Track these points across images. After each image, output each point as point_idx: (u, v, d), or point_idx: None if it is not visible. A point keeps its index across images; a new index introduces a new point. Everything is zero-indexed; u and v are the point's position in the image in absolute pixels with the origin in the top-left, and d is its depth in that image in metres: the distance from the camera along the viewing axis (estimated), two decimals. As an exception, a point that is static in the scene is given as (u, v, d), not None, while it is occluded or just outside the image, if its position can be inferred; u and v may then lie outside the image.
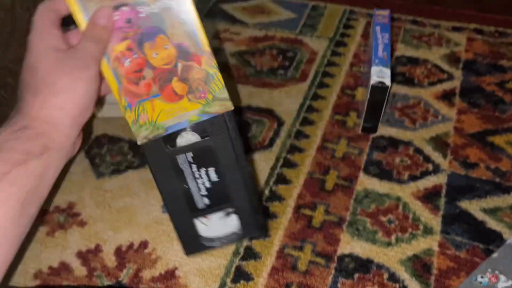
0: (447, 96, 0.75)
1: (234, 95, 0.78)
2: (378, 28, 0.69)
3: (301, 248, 0.56)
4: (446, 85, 0.77)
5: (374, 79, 0.63)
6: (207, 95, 0.35)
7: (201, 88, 0.34)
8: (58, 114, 0.31)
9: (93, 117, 0.74)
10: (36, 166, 0.30)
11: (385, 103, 0.64)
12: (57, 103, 0.30)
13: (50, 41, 0.31)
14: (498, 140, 0.68)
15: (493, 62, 0.80)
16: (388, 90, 0.62)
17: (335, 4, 0.95)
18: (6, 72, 0.64)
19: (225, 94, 0.35)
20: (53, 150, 0.31)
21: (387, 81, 0.62)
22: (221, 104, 0.35)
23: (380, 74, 0.63)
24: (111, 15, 0.32)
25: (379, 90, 0.62)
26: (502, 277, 0.49)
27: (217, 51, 0.86)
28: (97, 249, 0.58)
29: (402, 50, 0.84)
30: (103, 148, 0.70)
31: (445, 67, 0.80)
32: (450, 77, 0.78)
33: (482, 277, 0.49)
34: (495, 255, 0.50)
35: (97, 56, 0.32)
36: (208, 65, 0.34)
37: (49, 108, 0.30)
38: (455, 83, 0.77)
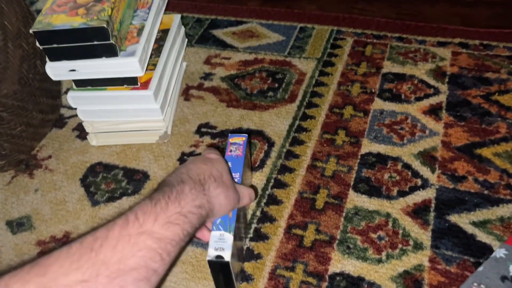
0: (433, 111, 0.76)
1: (224, 119, 0.79)
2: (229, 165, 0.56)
3: (292, 269, 0.57)
4: (433, 100, 0.78)
5: (211, 253, 0.47)
6: None
7: None
8: (217, 203, 0.47)
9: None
10: (200, 218, 0.44)
11: (233, 278, 0.50)
12: (220, 200, 0.47)
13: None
14: (486, 152, 0.68)
15: (479, 75, 0.81)
16: (229, 266, 0.47)
17: (323, 25, 0.98)
18: (0, 107, 0.66)
19: None
20: (208, 217, 0.46)
21: (227, 254, 0.47)
22: None
23: (219, 242, 0.48)
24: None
25: (219, 266, 0.47)
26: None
27: (208, 76, 0.88)
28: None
29: (388, 67, 0.85)
30: (98, 176, 0.72)
31: (431, 82, 0.81)
32: (437, 91, 0.79)
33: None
34: (480, 268, 0.50)
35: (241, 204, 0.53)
36: None
37: (217, 198, 0.47)
38: (442, 98, 0.78)
